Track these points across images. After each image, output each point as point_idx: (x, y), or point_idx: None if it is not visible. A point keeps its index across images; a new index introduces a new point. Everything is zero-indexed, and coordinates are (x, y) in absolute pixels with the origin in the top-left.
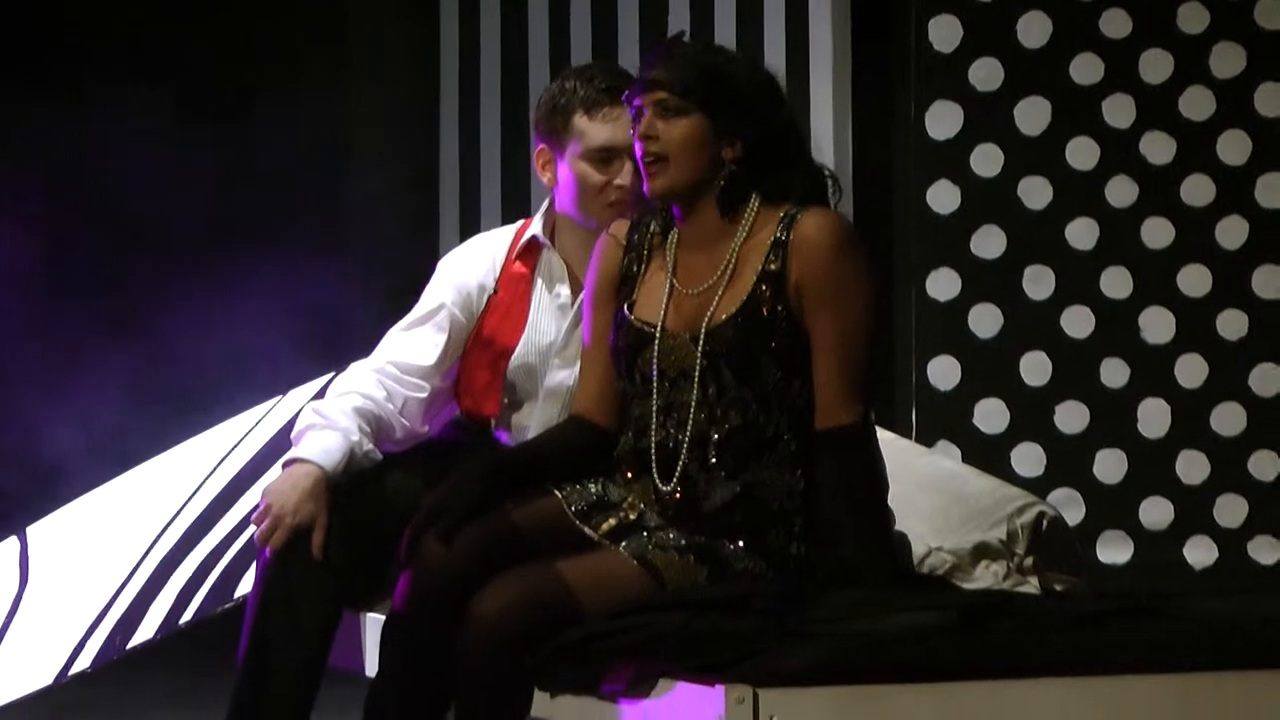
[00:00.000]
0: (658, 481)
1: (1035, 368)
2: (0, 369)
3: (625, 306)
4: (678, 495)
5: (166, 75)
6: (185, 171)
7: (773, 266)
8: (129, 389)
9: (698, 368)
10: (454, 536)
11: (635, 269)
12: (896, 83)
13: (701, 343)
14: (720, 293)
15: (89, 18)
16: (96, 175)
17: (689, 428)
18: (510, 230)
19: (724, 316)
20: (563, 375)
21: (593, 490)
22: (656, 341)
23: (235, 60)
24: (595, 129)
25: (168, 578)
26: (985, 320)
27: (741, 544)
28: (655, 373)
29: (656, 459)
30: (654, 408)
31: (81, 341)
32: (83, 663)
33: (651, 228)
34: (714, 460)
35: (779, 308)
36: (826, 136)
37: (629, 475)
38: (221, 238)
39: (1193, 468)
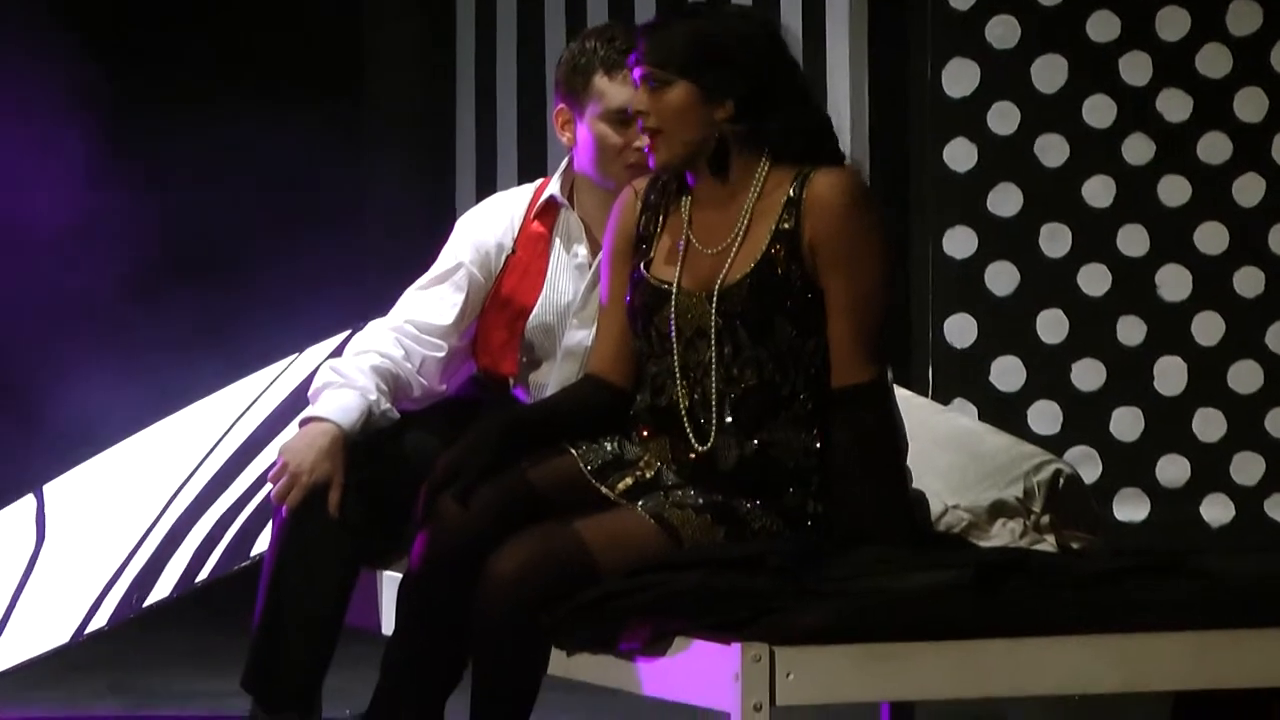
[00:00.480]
0: (693, 440)
1: (1052, 325)
2: (15, 331)
3: (642, 264)
4: (694, 454)
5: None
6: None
7: (786, 225)
8: (148, 347)
9: (711, 328)
10: (470, 495)
11: (653, 228)
12: (913, 40)
13: (715, 302)
14: (734, 252)
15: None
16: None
17: (705, 387)
18: (529, 189)
19: (738, 276)
20: (581, 335)
21: (609, 449)
22: (673, 299)
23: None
24: (615, 90)
25: (184, 536)
26: (1002, 278)
27: (758, 503)
28: (673, 331)
29: (688, 419)
30: (674, 366)
31: (98, 302)
32: (99, 621)
33: (670, 186)
34: (730, 420)
35: (793, 267)
36: (843, 95)
37: (645, 434)
38: (243, 203)
39: (1209, 426)
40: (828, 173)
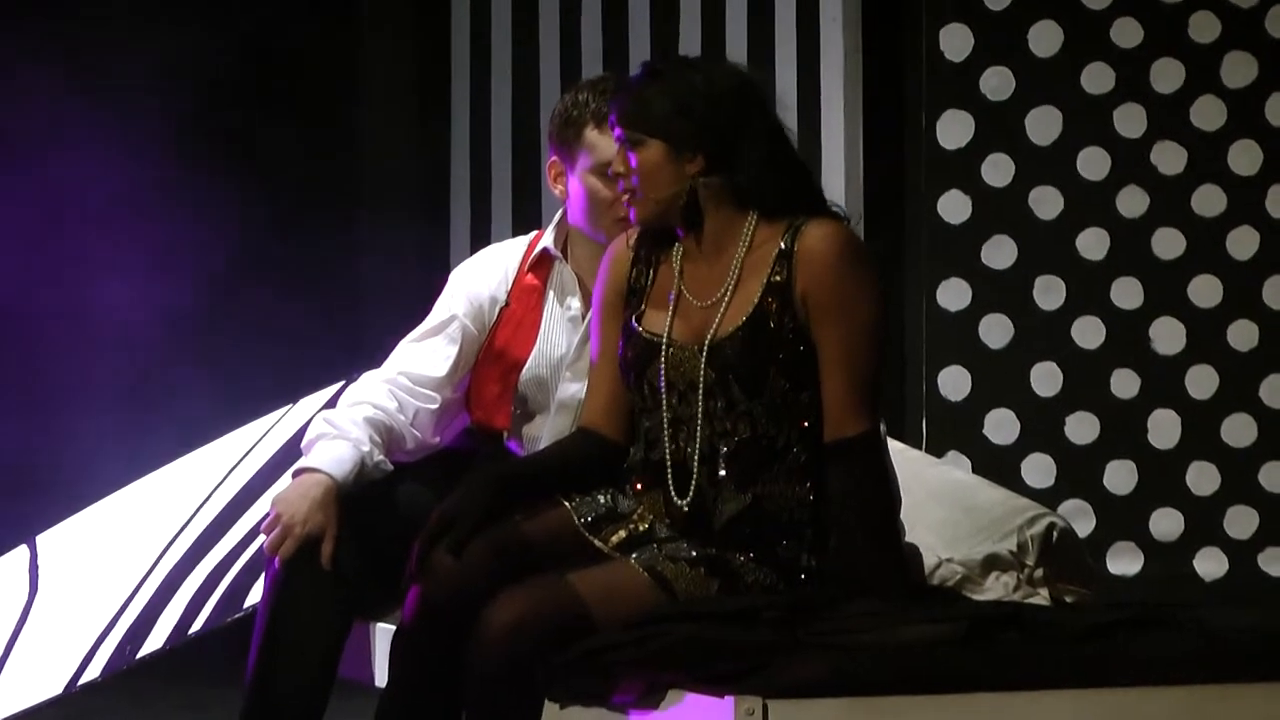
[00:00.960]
0: (674, 495)
1: (1046, 378)
2: (9, 378)
3: (634, 317)
4: (688, 508)
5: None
6: (200, 190)
7: (778, 278)
8: (139, 397)
9: (703, 381)
10: (464, 548)
11: (644, 280)
12: (907, 92)
13: (705, 356)
14: (725, 305)
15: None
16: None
17: (691, 442)
18: (523, 242)
19: (730, 329)
20: (574, 388)
21: (602, 501)
22: (663, 353)
23: (246, 79)
24: (605, 143)
25: (177, 587)
26: (996, 330)
27: (752, 556)
28: (664, 385)
29: (672, 473)
30: (664, 420)
31: (92, 350)
32: (92, 672)
33: (661, 239)
34: (723, 473)
35: (786, 319)
36: (837, 146)
37: (639, 487)
38: (236, 254)
39: (1203, 479)
40: (820, 225)
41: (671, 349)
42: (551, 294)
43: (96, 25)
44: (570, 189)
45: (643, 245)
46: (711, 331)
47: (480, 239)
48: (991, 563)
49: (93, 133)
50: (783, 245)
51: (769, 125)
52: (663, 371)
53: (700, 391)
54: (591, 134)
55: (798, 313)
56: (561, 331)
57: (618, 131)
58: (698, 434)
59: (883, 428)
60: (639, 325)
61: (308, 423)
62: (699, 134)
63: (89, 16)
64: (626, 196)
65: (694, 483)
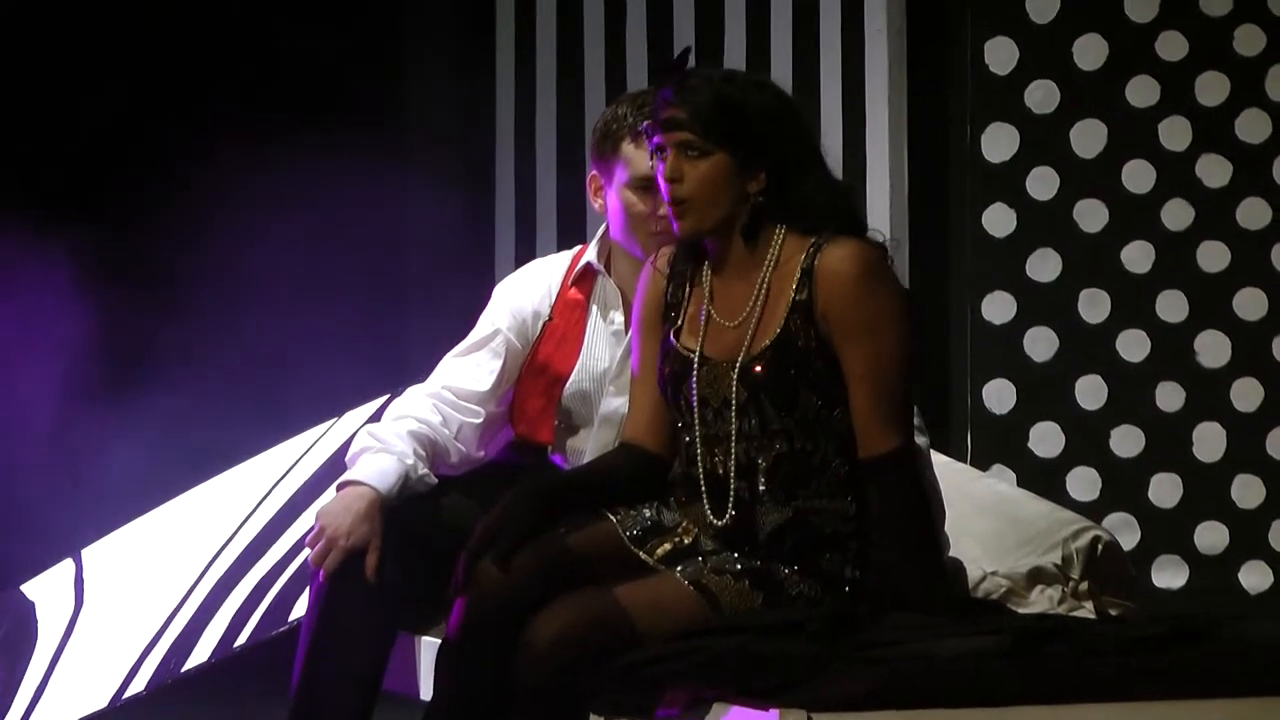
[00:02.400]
0: (709, 509)
1: (1090, 391)
2: (56, 392)
3: (671, 332)
4: (730, 522)
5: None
6: (248, 203)
7: (801, 297)
8: (185, 413)
9: (734, 399)
10: (509, 560)
11: (680, 295)
12: (952, 105)
13: (737, 375)
14: (754, 324)
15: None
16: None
17: (729, 458)
18: (566, 257)
19: (759, 349)
20: (618, 402)
21: (647, 515)
22: (695, 369)
23: (291, 94)
24: (641, 157)
25: (222, 601)
26: (1040, 344)
27: (796, 569)
28: (695, 401)
29: (707, 490)
30: (698, 437)
31: (139, 365)
32: (137, 686)
33: (695, 255)
34: (763, 488)
35: (812, 338)
36: (882, 159)
37: (683, 500)
38: (282, 265)
39: (1248, 492)
40: (840, 244)
41: (705, 367)
42: (595, 308)
43: None
44: (609, 203)
45: (677, 262)
46: (744, 350)
47: (525, 253)
48: (1036, 576)
49: None
50: (805, 264)
51: (816, 144)
52: (695, 389)
53: (734, 409)
54: (629, 148)
55: (820, 331)
56: (604, 345)
57: (676, 137)
58: (732, 451)
59: (925, 440)
60: (676, 341)
61: (352, 437)
62: (764, 151)
63: None
64: (675, 207)
65: (731, 499)
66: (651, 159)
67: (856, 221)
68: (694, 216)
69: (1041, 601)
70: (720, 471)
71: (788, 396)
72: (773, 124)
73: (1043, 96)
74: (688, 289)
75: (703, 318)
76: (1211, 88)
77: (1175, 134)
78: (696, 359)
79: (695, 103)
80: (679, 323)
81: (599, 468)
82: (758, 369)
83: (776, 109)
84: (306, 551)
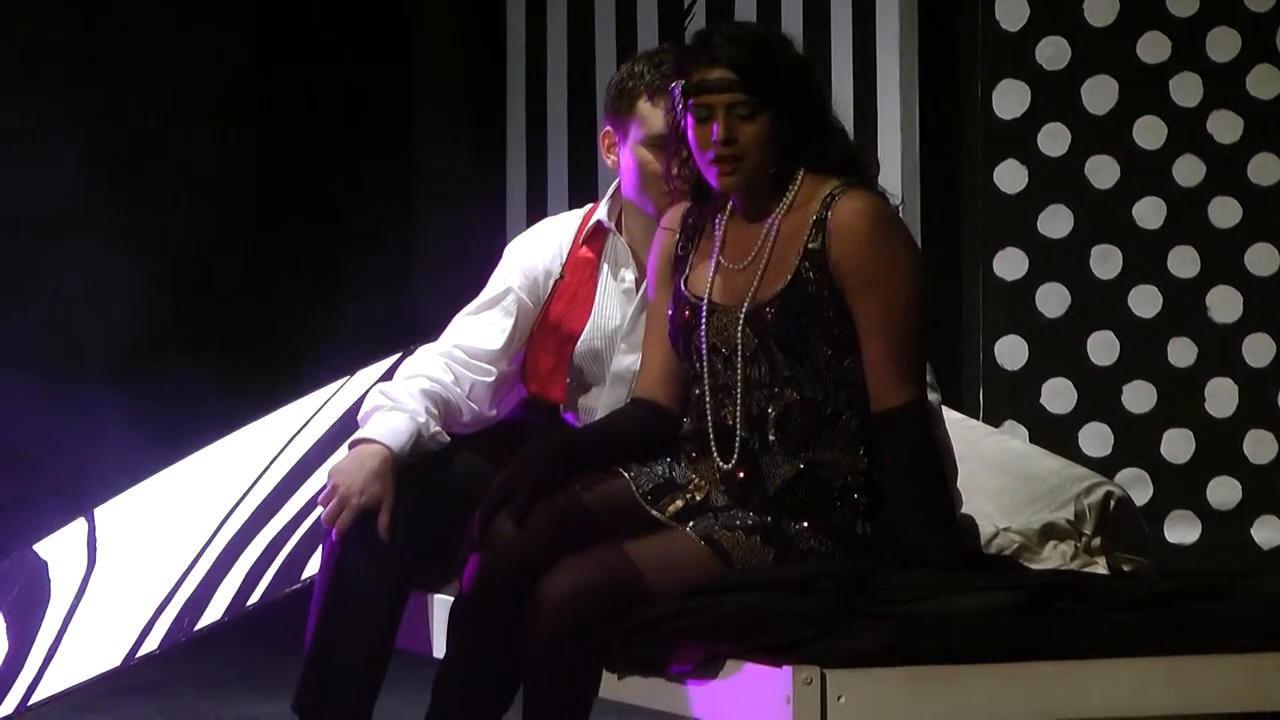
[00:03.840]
0: (718, 460)
1: (1102, 347)
2: (66, 356)
3: (681, 282)
4: (741, 474)
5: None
6: (265, 168)
7: (813, 245)
8: (197, 371)
9: (742, 345)
10: (525, 517)
11: (691, 247)
12: (963, 62)
13: (743, 320)
14: (764, 266)
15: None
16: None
17: (738, 407)
18: (577, 215)
19: (770, 293)
20: (629, 360)
21: (659, 471)
22: (703, 314)
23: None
24: (658, 115)
25: (235, 559)
26: (1052, 300)
27: (806, 524)
28: (704, 348)
29: (715, 438)
30: (706, 386)
31: (151, 327)
32: (150, 645)
33: (705, 208)
34: (773, 439)
35: (824, 287)
36: (893, 116)
37: (694, 455)
38: (294, 232)
39: (1260, 447)
40: (854, 196)
41: (714, 313)
42: (605, 266)
43: None
44: (622, 160)
45: (690, 215)
46: (751, 294)
47: (536, 212)
48: (1049, 532)
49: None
50: (818, 213)
51: (821, 91)
52: (703, 335)
53: (741, 356)
54: (644, 106)
55: (833, 281)
56: (616, 303)
57: (725, 98)
58: (740, 399)
59: (937, 397)
60: (685, 289)
61: (364, 395)
62: (798, 106)
63: None
64: (726, 164)
65: (737, 447)
66: (679, 116)
67: (871, 176)
68: (745, 174)
69: (1054, 557)
70: (730, 422)
71: (797, 343)
72: (803, 78)
73: (1053, 53)
74: (698, 240)
75: (712, 264)
76: (1222, 43)
77: (1186, 90)
78: (705, 305)
79: (740, 62)
80: (688, 272)
81: (612, 424)
82: (768, 313)
83: (803, 63)
84: (319, 510)
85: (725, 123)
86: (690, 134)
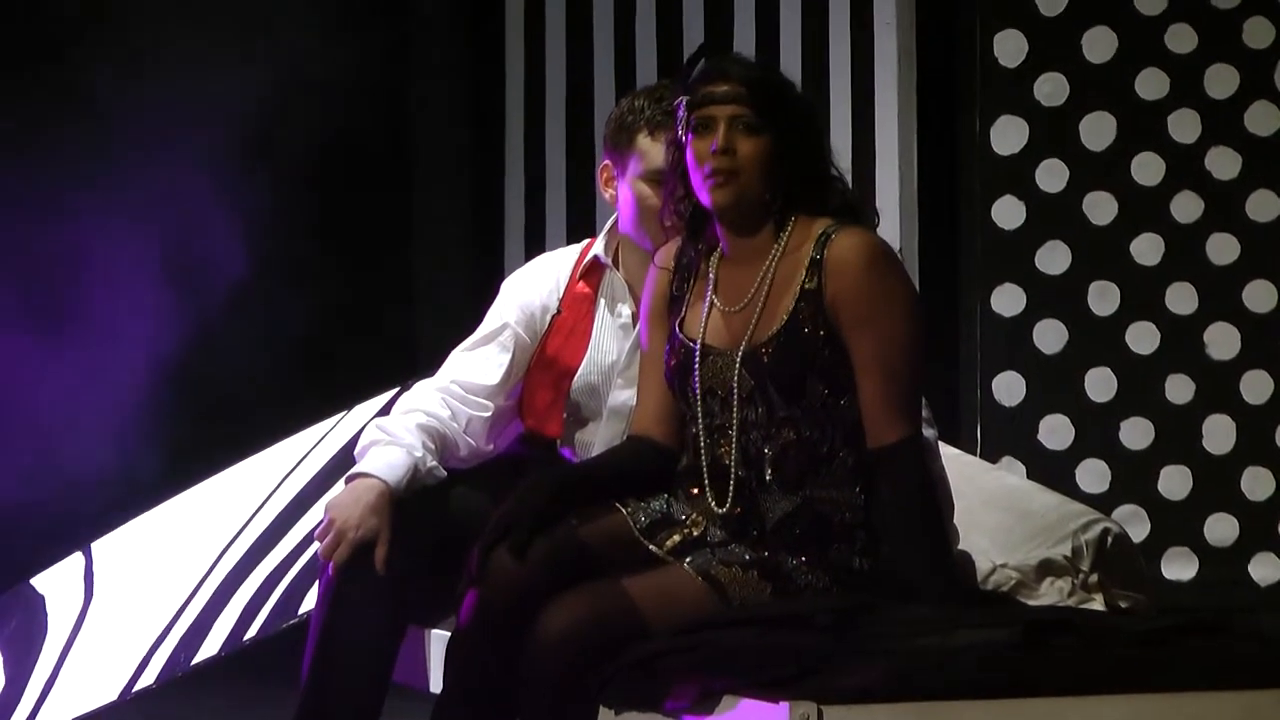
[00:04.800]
0: (712, 503)
1: (1100, 383)
2: (65, 385)
3: (677, 324)
4: (737, 513)
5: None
6: (249, 197)
7: (809, 285)
8: (193, 405)
9: (738, 387)
10: (524, 552)
11: (685, 287)
12: (962, 98)
13: (740, 362)
14: (759, 310)
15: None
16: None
17: (734, 447)
18: (574, 250)
19: (766, 335)
20: (626, 395)
21: (656, 506)
22: (697, 358)
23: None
24: (657, 150)
25: (232, 594)
26: (1050, 336)
27: (804, 559)
28: (698, 391)
29: (709, 479)
30: (701, 427)
31: (146, 358)
32: (147, 679)
33: (699, 247)
34: (770, 477)
35: (820, 327)
36: (891, 151)
37: (693, 492)
38: (286, 257)
39: (1258, 484)
40: (849, 234)
41: (709, 356)
42: (603, 302)
43: None
44: (620, 195)
45: (682, 255)
46: (747, 338)
47: (535, 246)
48: (1046, 568)
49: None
50: (814, 253)
51: (824, 139)
52: (696, 379)
53: (739, 398)
54: (644, 141)
55: (829, 320)
56: (613, 339)
57: (730, 110)
58: (737, 440)
59: (934, 432)
60: (681, 332)
61: (361, 430)
62: (799, 142)
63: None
64: (719, 176)
65: (732, 489)
66: (681, 133)
67: (867, 216)
68: (735, 188)
69: (1051, 594)
70: (726, 461)
71: (794, 384)
72: (807, 117)
73: (1052, 89)
74: (692, 281)
75: (706, 307)
76: (1221, 80)
77: (1184, 126)
78: (699, 349)
79: (748, 80)
80: (683, 314)
81: (610, 460)
82: (764, 355)
83: (809, 104)
84: (316, 544)
85: (726, 134)
86: (689, 153)
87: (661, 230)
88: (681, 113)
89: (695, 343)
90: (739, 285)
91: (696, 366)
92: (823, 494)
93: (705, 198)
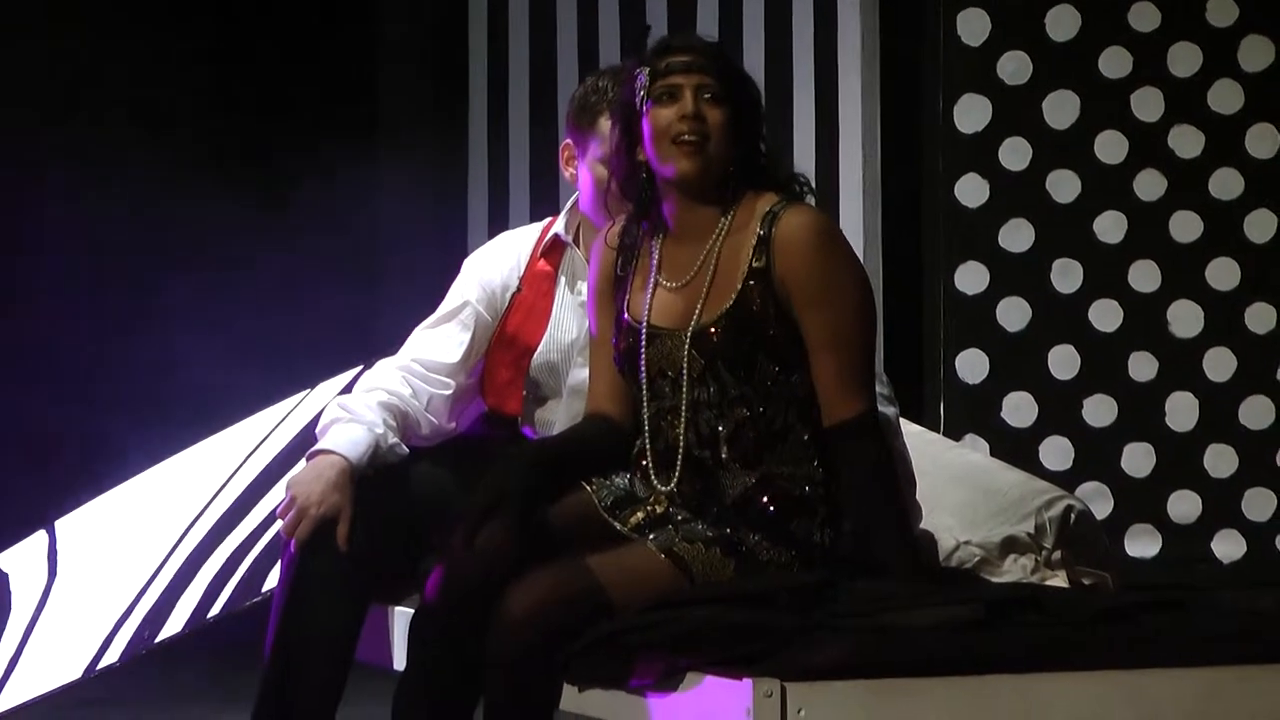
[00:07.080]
0: (655, 482)
1: (1063, 361)
2: (31, 368)
3: (623, 308)
4: (693, 487)
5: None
6: (222, 180)
7: (757, 264)
8: (156, 384)
9: (688, 367)
10: (528, 520)
11: (629, 268)
12: (924, 76)
13: (689, 342)
14: (706, 289)
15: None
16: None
17: (682, 426)
18: (536, 228)
19: (715, 315)
20: (585, 373)
21: (620, 484)
22: (643, 340)
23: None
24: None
25: (195, 572)
26: (1013, 313)
27: (765, 535)
28: (646, 373)
29: (658, 460)
30: (649, 408)
31: (111, 338)
32: (111, 657)
33: (642, 228)
34: (726, 455)
35: (769, 305)
36: (854, 130)
37: (649, 472)
38: (250, 237)
39: (1221, 461)
40: (795, 212)
41: (658, 337)
42: (563, 280)
43: None
44: (580, 175)
45: (625, 234)
46: (696, 317)
47: (497, 224)
48: (1009, 545)
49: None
50: (760, 231)
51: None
52: (642, 359)
53: (689, 377)
54: (605, 123)
55: (779, 298)
56: (572, 317)
57: (696, 78)
58: (686, 419)
59: (895, 410)
60: (627, 314)
61: (323, 408)
62: (751, 120)
63: None
64: (693, 141)
65: (679, 467)
66: (639, 104)
67: (806, 193)
68: (704, 156)
69: (1014, 571)
70: (681, 443)
71: (745, 363)
72: (755, 93)
73: (1015, 68)
74: (635, 261)
75: (649, 288)
76: (1184, 58)
77: (1147, 104)
78: (645, 330)
79: (710, 52)
80: (627, 295)
81: (574, 436)
82: (713, 334)
83: (753, 81)
84: (279, 523)
85: (693, 100)
86: (648, 122)
87: (620, 209)
88: (643, 79)
89: (641, 324)
90: (683, 262)
91: (643, 349)
92: (780, 469)
93: (669, 167)
